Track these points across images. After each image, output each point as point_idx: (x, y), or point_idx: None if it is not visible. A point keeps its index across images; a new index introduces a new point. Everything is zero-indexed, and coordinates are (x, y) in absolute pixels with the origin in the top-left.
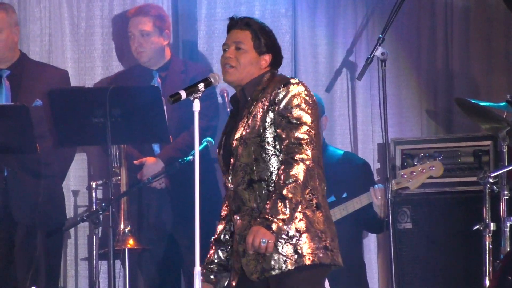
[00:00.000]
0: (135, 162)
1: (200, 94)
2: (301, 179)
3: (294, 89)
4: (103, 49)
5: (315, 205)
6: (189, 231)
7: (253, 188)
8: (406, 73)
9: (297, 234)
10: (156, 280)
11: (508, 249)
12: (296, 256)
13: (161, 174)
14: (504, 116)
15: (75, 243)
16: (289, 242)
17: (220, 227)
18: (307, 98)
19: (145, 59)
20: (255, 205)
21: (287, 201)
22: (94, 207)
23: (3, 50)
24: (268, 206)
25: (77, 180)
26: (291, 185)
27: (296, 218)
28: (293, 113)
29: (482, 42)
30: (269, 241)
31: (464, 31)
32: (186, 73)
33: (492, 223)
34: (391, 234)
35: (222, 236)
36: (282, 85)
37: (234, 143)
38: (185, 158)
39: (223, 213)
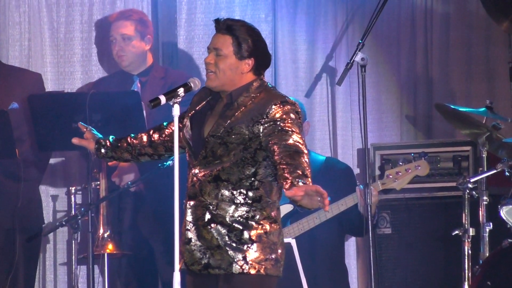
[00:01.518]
0: (109, 163)
1: (180, 99)
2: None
3: (290, 108)
4: (82, 54)
5: (272, 218)
6: (163, 237)
7: (218, 185)
8: (386, 78)
9: (250, 242)
10: (134, 285)
11: (487, 255)
12: (242, 262)
13: (140, 179)
14: (484, 122)
15: (54, 248)
16: (239, 248)
17: (145, 137)
18: (297, 119)
19: (126, 63)
20: (214, 202)
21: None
22: (73, 212)
23: None
24: (295, 165)
25: (56, 185)
26: (310, 176)
27: (253, 227)
28: (286, 124)
29: (462, 48)
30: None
31: (444, 37)
32: (165, 79)
33: (471, 229)
34: (371, 239)
35: (136, 141)
36: (279, 101)
37: (209, 138)
38: (165, 163)
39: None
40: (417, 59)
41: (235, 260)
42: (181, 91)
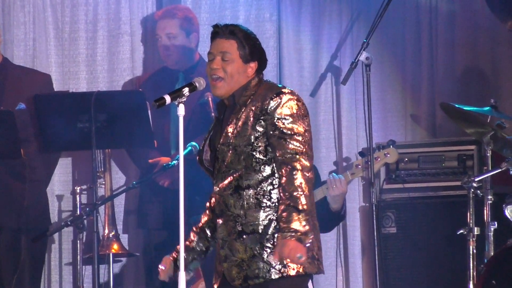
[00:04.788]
0: (150, 161)
1: (185, 99)
2: (307, 189)
3: (287, 99)
4: (87, 54)
5: None
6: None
7: (240, 195)
8: (390, 77)
9: None
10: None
11: (492, 254)
12: (280, 266)
13: (145, 179)
14: (488, 121)
15: (59, 248)
16: (273, 252)
17: (205, 218)
18: (299, 107)
19: (172, 61)
20: (241, 212)
21: (302, 214)
22: (78, 212)
23: None
24: (286, 220)
25: (61, 185)
26: (301, 196)
27: None
28: (286, 124)
29: (467, 46)
30: (303, 258)
31: (449, 36)
32: None
33: (476, 228)
34: (375, 238)
35: (206, 227)
36: (275, 95)
37: (220, 147)
38: (170, 163)
39: (208, 204)
40: (422, 58)
41: (273, 265)
42: (186, 90)
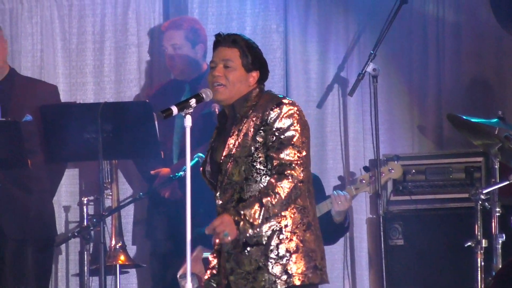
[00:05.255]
0: (151, 172)
1: (192, 110)
2: (285, 195)
3: (287, 109)
4: (94, 65)
5: (306, 225)
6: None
7: None
8: (397, 89)
9: (287, 255)
10: None
11: (500, 266)
12: (285, 277)
13: (152, 189)
14: (496, 133)
15: (66, 259)
16: (279, 263)
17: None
18: (299, 118)
19: (177, 72)
20: None
21: (263, 209)
22: (85, 222)
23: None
24: (245, 204)
25: (68, 196)
26: (273, 197)
27: (287, 238)
28: (285, 134)
29: (474, 57)
30: (229, 237)
31: (456, 46)
32: None
33: (484, 240)
34: (383, 250)
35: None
36: (275, 105)
37: (222, 159)
38: (177, 174)
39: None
40: (428, 69)
41: (278, 276)
42: (193, 101)
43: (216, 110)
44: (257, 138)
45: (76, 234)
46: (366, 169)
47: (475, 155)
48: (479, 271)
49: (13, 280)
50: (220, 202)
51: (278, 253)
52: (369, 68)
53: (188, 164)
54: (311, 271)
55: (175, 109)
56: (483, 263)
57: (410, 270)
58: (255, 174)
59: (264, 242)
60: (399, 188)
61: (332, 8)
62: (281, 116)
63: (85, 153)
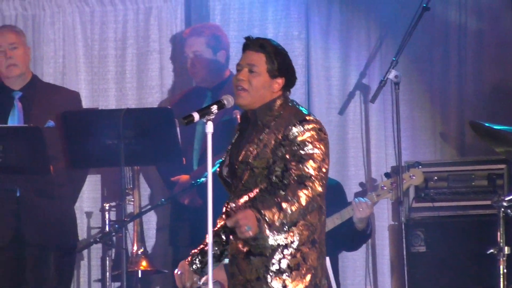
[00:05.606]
0: (172, 179)
1: (213, 116)
2: (304, 203)
3: (309, 127)
4: (116, 71)
5: (311, 242)
6: None
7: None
8: (419, 95)
9: (288, 271)
10: None
11: None
12: None
13: (173, 196)
14: None
15: (88, 265)
16: (278, 277)
17: (221, 223)
18: (320, 136)
19: (198, 78)
20: None
21: (282, 213)
22: (107, 228)
23: (22, 65)
24: (264, 205)
25: (90, 202)
26: (293, 204)
27: (291, 254)
28: (306, 150)
29: (496, 64)
30: (250, 232)
31: (478, 53)
32: None
33: (506, 247)
34: (404, 257)
35: (221, 231)
36: (298, 122)
37: (238, 165)
38: (198, 180)
39: (224, 209)
40: (450, 76)
41: None
42: (214, 108)
43: (238, 117)
44: (277, 152)
45: (98, 240)
46: (387, 175)
47: (497, 162)
48: (501, 279)
49: (35, 286)
50: (233, 205)
51: (280, 267)
52: (391, 75)
53: (210, 170)
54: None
55: (196, 116)
56: (505, 270)
57: (432, 277)
58: (270, 186)
59: (267, 254)
60: (421, 195)
61: (354, 15)
62: (303, 133)
63: (107, 159)
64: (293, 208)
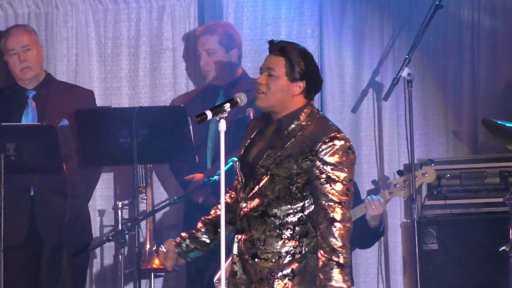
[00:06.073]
0: (186, 178)
1: (226, 114)
2: (347, 241)
3: (339, 145)
4: (129, 69)
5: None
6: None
7: (265, 221)
8: (432, 93)
9: (291, 275)
10: None
11: None
12: None
13: (186, 194)
14: None
15: (101, 263)
16: (281, 280)
17: (218, 212)
18: (348, 155)
19: (211, 76)
20: (262, 237)
21: (345, 269)
22: (120, 226)
23: (36, 67)
24: (329, 277)
25: (103, 200)
26: (343, 250)
27: (296, 260)
28: (334, 170)
29: (509, 62)
30: None
31: (491, 52)
32: (252, 92)
33: None
34: (417, 255)
35: (216, 221)
36: (328, 139)
37: (258, 168)
38: (211, 178)
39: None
40: (463, 74)
41: None
42: (227, 106)
43: (251, 114)
44: (302, 165)
45: (110, 238)
46: (399, 173)
47: (510, 159)
48: None
49: (49, 284)
50: (245, 205)
51: (284, 271)
52: (404, 72)
53: (223, 168)
54: None
55: (209, 114)
56: None
57: (444, 274)
58: (288, 196)
59: (273, 260)
60: (434, 192)
61: (367, 13)
62: (332, 151)
63: (120, 157)
64: (346, 254)
